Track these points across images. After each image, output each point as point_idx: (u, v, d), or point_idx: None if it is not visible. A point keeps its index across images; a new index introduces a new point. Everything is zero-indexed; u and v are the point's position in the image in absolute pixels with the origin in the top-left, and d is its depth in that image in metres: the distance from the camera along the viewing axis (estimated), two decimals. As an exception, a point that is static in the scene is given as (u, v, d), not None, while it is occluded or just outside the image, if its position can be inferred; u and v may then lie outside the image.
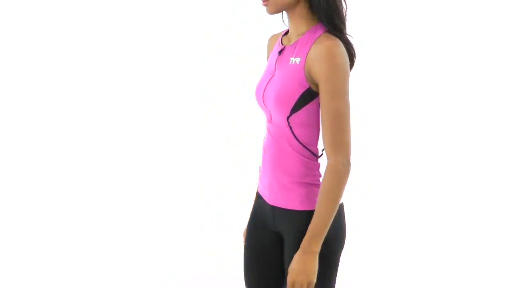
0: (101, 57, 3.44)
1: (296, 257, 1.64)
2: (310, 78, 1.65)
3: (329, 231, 1.67)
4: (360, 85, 3.41)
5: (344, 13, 1.70)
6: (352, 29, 1.74)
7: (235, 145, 3.35)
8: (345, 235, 1.75)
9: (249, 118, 3.15)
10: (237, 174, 3.34)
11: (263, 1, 1.71)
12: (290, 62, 1.70)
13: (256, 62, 2.29)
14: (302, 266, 1.62)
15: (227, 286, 3.08)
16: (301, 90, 1.65)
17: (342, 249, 1.76)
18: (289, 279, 1.64)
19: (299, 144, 1.70)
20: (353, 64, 1.72)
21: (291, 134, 1.70)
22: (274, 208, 1.78)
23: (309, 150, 1.70)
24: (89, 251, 3.34)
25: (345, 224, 1.76)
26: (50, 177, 3.46)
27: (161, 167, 3.52)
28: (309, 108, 1.66)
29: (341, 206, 1.75)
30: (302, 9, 1.70)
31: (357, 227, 3.38)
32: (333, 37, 1.64)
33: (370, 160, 3.50)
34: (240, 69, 3.26)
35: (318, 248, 1.63)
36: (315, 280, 1.63)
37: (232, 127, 3.43)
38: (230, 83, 3.38)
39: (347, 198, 3.27)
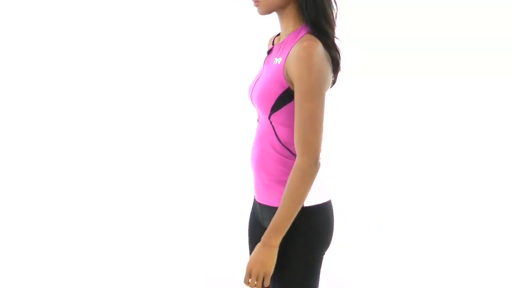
0: (96, 56, 3.44)
1: (256, 248, 1.69)
2: (288, 78, 1.67)
3: (317, 227, 1.72)
4: (357, 86, 3.44)
5: (334, 16, 1.72)
6: (351, 30, 1.74)
7: (234, 144, 3.35)
8: (331, 233, 1.78)
9: (249, 117, 3.15)
10: (236, 173, 3.35)
11: (254, 2, 1.74)
12: (274, 62, 1.74)
13: (255, 62, 2.30)
14: (260, 257, 1.67)
15: (226, 285, 3.09)
16: (281, 90, 1.68)
17: (327, 247, 1.79)
18: (247, 267, 1.69)
19: (280, 144, 1.74)
20: (338, 67, 1.73)
21: (274, 134, 1.74)
22: (260, 205, 1.84)
23: (289, 150, 1.73)
24: (85, 250, 3.35)
25: (332, 222, 1.79)
26: (47, 176, 3.46)
27: (159, 167, 3.52)
28: (289, 108, 1.69)
29: (329, 204, 1.79)
30: (291, 10, 1.73)
31: (355, 227, 3.42)
32: (313, 38, 1.65)
33: (367, 160, 3.52)
34: (239, 69, 3.26)
35: (276, 242, 1.66)
36: (271, 271, 1.67)
37: (231, 126, 3.44)
38: (230, 82, 3.39)
39: (344, 198, 3.29)
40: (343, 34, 1.88)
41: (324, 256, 1.80)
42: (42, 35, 3.40)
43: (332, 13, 1.71)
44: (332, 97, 1.94)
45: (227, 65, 3.42)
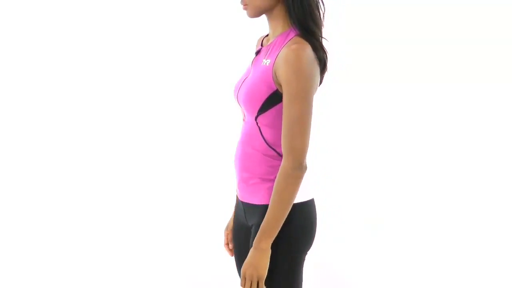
0: (84, 55, 3.44)
1: (250, 251, 1.70)
2: (276, 81, 1.68)
3: (297, 225, 1.73)
4: (348, 86, 3.43)
5: (322, 17, 1.73)
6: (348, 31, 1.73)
7: (218, 143, 3.33)
8: (312, 232, 1.79)
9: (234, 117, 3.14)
10: (220, 173, 3.33)
11: (243, 6, 1.76)
12: (262, 64, 1.74)
13: (242, 62, 2.31)
14: (252, 260, 1.68)
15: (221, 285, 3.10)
16: (269, 92, 1.69)
17: (309, 247, 1.79)
18: (242, 270, 1.71)
19: (266, 145, 1.75)
20: (325, 69, 1.74)
21: (260, 134, 1.75)
22: (243, 203, 1.85)
23: (275, 150, 1.75)
24: (79, 248, 3.35)
25: (314, 221, 1.79)
26: (46, 176, 3.46)
27: (142, 165, 3.50)
28: (276, 110, 1.70)
29: (311, 202, 1.79)
30: (279, 12, 1.73)
31: (349, 227, 3.42)
32: (302, 41, 1.65)
33: (360, 159, 3.50)
34: (225, 68, 3.26)
35: (266, 246, 1.67)
36: (264, 274, 1.68)
37: (215, 125, 3.43)
38: (216, 81, 3.37)
39: (337, 197, 3.26)
40: (335, 34, 1.88)
41: (321, 255, 1.79)
42: (41, 35, 3.41)
43: (320, 13, 1.72)
44: (323, 96, 1.93)
45: (214, 65, 3.41)
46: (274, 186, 1.67)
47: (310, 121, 1.66)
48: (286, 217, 1.67)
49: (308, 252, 1.82)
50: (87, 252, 3.35)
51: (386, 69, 3.44)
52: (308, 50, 1.64)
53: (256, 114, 1.73)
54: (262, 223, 1.68)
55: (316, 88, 1.70)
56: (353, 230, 3.41)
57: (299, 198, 1.73)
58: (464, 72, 3.44)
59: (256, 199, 1.78)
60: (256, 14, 1.74)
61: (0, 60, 3.42)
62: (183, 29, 3.46)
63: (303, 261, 1.79)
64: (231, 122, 2.66)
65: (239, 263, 1.94)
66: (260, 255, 1.67)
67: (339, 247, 3.36)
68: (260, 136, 1.75)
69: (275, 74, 1.67)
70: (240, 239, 1.92)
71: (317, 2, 1.71)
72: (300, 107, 1.63)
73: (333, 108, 3.37)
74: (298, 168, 1.65)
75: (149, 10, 3.45)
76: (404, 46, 3.43)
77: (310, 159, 1.73)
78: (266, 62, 1.72)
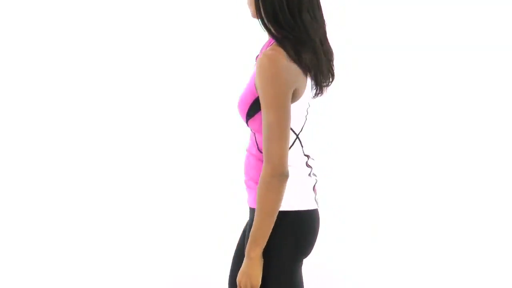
0: (84, 56, 3.44)
1: (244, 260, 1.69)
2: (256, 87, 1.67)
3: (288, 232, 1.70)
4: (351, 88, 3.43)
5: (311, 17, 1.66)
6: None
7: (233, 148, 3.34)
8: (305, 242, 1.76)
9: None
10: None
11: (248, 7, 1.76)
12: (253, 70, 1.74)
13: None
14: (245, 269, 1.67)
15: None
16: (252, 98, 1.69)
17: (303, 256, 1.77)
18: (237, 279, 1.70)
19: (257, 149, 1.76)
20: (319, 72, 1.70)
21: (254, 139, 1.77)
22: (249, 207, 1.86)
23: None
24: (79, 249, 3.36)
25: (309, 231, 1.76)
26: (46, 176, 3.46)
27: (153, 170, 3.50)
28: (261, 115, 1.67)
29: (309, 213, 1.77)
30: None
31: (349, 232, 3.42)
32: (276, 48, 1.63)
33: (361, 164, 3.50)
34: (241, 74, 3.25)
35: (255, 254, 1.66)
36: (258, 283, 1.67)
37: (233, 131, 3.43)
38: (231, 87, 3.36)
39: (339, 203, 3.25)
40: (335, 34, 1.87)
41: (321, 256, 1.78)
42: (41, 35, 3.40)
43: (289, 15, 1.64)
44: (323, 96, 1.93)
45: (225, 71, 3.41)
46: (256, 194, 1.65)
47: (287, 127, 1.62)
48: (272, 224, 1.65)
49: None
50: (87, 252, 3.36)
51: (386, 70, 3.45)
52: (279, 57, 1.61)
53: (245, 120, 1.74)
54: (250, 232, 1.67)
55: (300, 93, 1.67)
56: (354, 231, 3.41)
57: (293, 206, 1.72)
58: (463, 73, 3.45)
59: (251, 203, 1.80)
60: (252, 15, 1.75)
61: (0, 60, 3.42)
62: (194, 33, 3.45)
63: (299, 268, 1.77)
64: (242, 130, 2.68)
65: (235, 257, 1.93)
66: (252, 264, 1.66)
67: (339, 248, 3.36)
68: (255, 141, 1.77)
69: (255, 80, 1.67)
70: (242, 236, 1.94)
71: (284, 3, 1.63)
72: (274, 114, 1.60)
73: (333, 108, 3.36)
74: (277, 176, 1.61)
75: (156, 14, 3.44)
76: (404, 46, 3.43)
77: (316, 162, 1.73)
78: (254, 68, 1.73)
